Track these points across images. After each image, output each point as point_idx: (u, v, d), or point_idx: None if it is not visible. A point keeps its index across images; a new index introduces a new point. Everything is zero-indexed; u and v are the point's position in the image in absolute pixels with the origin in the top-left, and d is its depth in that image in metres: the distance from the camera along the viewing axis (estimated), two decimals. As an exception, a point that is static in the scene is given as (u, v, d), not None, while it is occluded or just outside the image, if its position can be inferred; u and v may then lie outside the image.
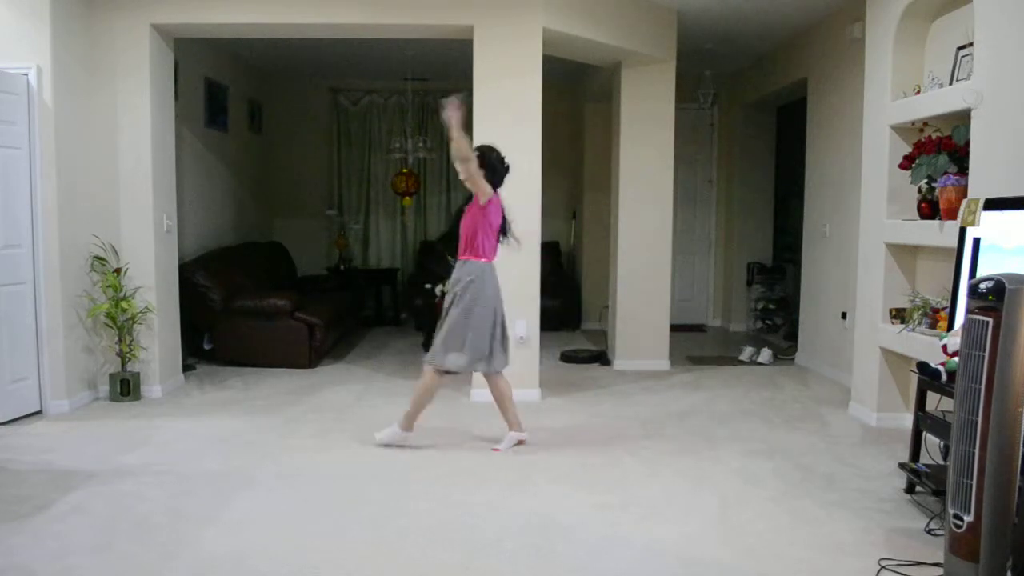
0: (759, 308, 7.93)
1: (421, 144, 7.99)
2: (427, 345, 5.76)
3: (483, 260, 4.04)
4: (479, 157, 3.97)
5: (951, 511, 2.45)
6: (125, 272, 5.09)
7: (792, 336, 7.07)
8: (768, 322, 7.88)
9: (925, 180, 4.08)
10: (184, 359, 5.72)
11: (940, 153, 3.98)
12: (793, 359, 6.64)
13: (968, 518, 2.39)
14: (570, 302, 8.15)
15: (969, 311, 2.44)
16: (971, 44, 3.81)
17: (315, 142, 8.75)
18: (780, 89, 7.10)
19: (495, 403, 4.26)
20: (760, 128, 8.21)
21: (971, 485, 2.38)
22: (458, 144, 3.84)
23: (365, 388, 5.53)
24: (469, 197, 4.11)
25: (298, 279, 8.19)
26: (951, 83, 4.03)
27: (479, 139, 5.14)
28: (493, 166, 4.03)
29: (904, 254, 4.52)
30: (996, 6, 3.55)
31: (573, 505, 3.39)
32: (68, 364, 4.82)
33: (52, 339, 4.74)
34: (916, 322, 4.12)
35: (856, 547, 2.96)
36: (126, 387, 5.07)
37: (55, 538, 2.98)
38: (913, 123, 4.35)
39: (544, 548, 2.95)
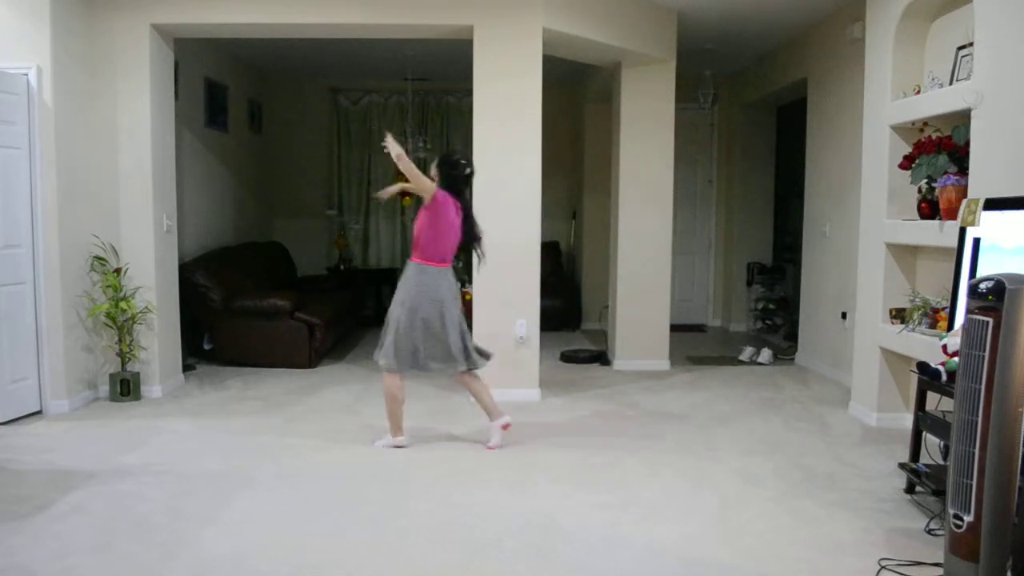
0: (759, 308, 7.93)
1: (421, 144, 7.99)
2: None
3: (420, 262, 4.04)
4: (437, 167, 4.10)
5: (951, 511, 2.45)
6: (125, 272, 5.09)
7: (792, 336, 7.07)
8: (768, 322, 7.88)
9: (925, 180, 4.08)
10: (184, 359, 5.72)
11: (940, 153, 3.98)
12: (793, 359, 6.64)
13: (968, 518, 2.39)
14: (570, 302, 8.15)
15: (969, 311, 2.44)
16: (971, 44, 3.81)
17: (315, 142, 8.75)
18: (780, 89, 7.10)
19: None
20: (760, 128, 8.22)
21: (971, 485, 2.38)
22: (398, 158, 3.89)
23: (365, 388, 5.53)
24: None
25: (298, 279, 8.19)
26: (951, 83, 4.03)
27: (479, 139, 5.16)
28: (448, 168, 4.09)
29: (904, 254, 4.52)
30: (996, 6, 3.55)
31: (573, 505, 3.39)
32: (68, 364, 4.82)
33: (52, 339, 4.74)
34: (916, 322, 4.12)
35: (856, 547, 2.96)
36: (126, 387, 5.07)
37: (55, 538, 2.98)
38: (913, 123, 4.35)
39: (544, 548, 2.95)
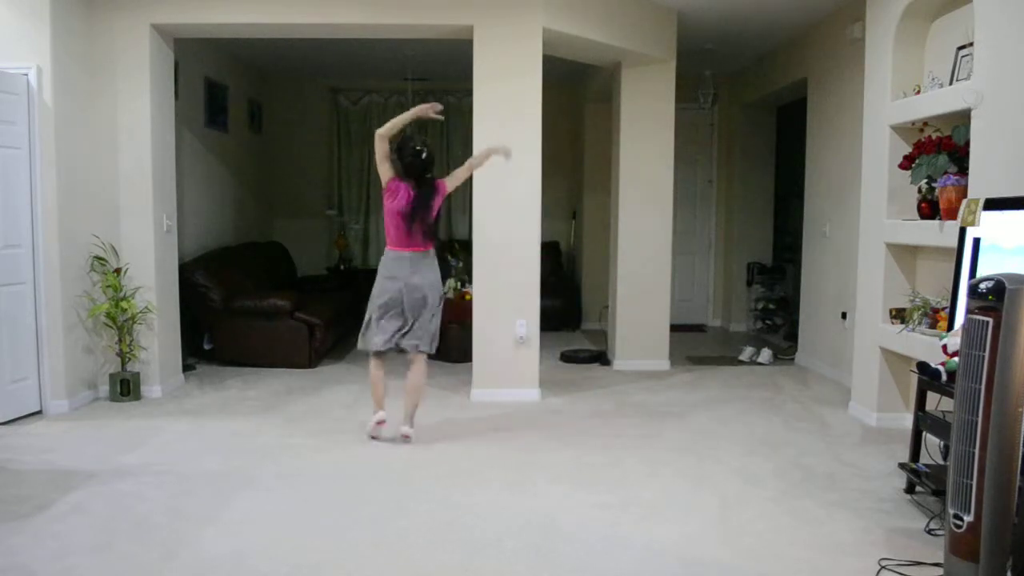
0: (759, 308, 7.94)
1: (421, 144, 7.97)
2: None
3: (387, 248, 4.28)
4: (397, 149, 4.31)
5: (951, 511, 2.45)
6: (125, 272, 5.09)
7: (792, 336, 7.07)
8: (768, 322, 7.88)
9: (925, 180, 4.08)
10: (184, 359, 5.72)
11: (940, 153, 3.98)
12: (793, 359, 6.64)
13: (968, 518, 2.39)
14: (570, 302, 8.15)
15: (969, 311, 2.44)
16: (971, 44, 3.81)
17: (315, 142, 8.75)
18: (780, 89, 7.10)
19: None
20: (760, 128, 8.22)
21: (971, 485, 2.38)
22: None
23: (365, 388, 5.51)
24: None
25: (298, 279, 8.19)
26: (951, 83, 4.03)
27: (479, 139, 5.16)
28: (397, 154, 4.28)
29: (904, 254, 4.52)
30: (996, 6, 3.55)
31: (573, 505, 3.39)
32: (68, 364, 4.82)
33: (52, 339, 4.74)
34: (916, 322, 4.12)
35: (856, 547, 2.97)
36: (126, 387, 5.07)
37: (55, 538, 2.98)
38: (913, 123, 4.35)
39: (544, 548, 2.95)
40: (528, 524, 3.17)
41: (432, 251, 4.31)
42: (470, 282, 5.53)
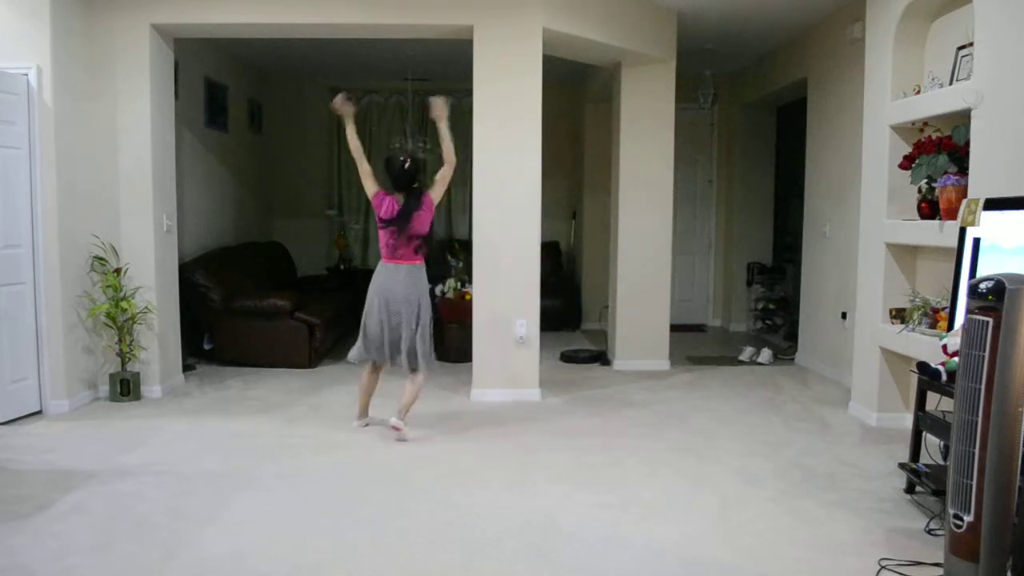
0: (759, 308, 7.94)
1: (421, 144, 7.99)
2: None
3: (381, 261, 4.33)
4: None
5: (951, 511, 2.45)
6: (125, 272, 5.09)
7: (792, 336, 7.07)
8: (768, 322, 7.88)
9: (925, 180, 4.08)
10: (184, 359, 5.72)
11: (940, 153, 3.98)
12: (793, 359, 6.64)
13: (968, 518, 2.39)
14: (570, 302, 8.15)
15: (969, 311, 2.44)
16: (971, 44, 3.81)
17: (315, 142, 8.75)
18: (780, 89, 7.10)
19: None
20: (760, 128, 8.22)
21: (971, 485, 2.38)
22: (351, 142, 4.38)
23: (365, 388, 5.53)
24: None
25: (298, 279, 8.19)
26: (951, 83, 4.03)
27: (479, 139, 5.17)
28: (385, 167, 4.37)
29: (904, 254, 4.52)
30: (996, 6, 3.55)
31: (573, 505, 3.39)
32: (68, 364, 4.82)
33: (52, 339, 4.74)
34: (916, 322, 4.12)
35: (856, 547, 2.97)
36: (126, 387, 5.07)
37: (55, 538, 2.98)
38: (913, 123, 4.35)
39: (544, 548, 2.95)
40: (528, 524, 3.17)
41: (416, 266, 4.30)
42: (470, 282, 5.52)
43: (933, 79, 4.19)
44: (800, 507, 3.37)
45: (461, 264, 6.72)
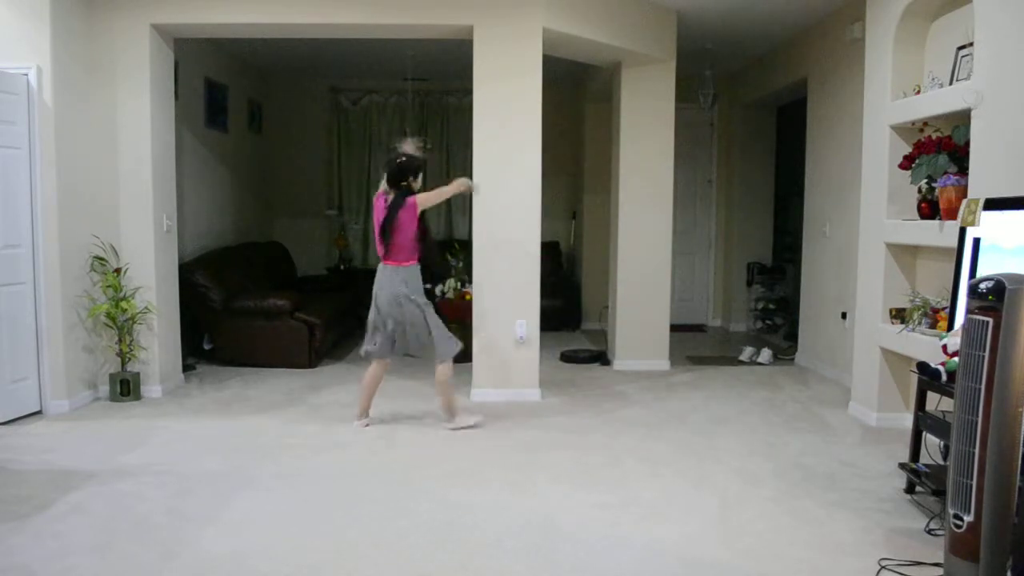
0: (759, 308, 7.94)
1: (421, 144, 7.97)
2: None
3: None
4: None
5: (951, 511, 2.45)
6: (125, 272, 5.09)
7: (792, 336, 7.07)
8: (768, 322, 7.88)
9: (925, 180, 4.08)
10: (184, 359, 5.72)
11: (940, 153, 3.98)
12: (793, 359, 6.64)
13: (968, 518, 2.39)
14: (570, 302, 8.15)
15: (969, 311, 2.44)
16: (971, 44, 3.81)
17: (315, 142, 8.75)
18: (780, 89, 7.10)
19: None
20: (760, 128, 8.22)
21: (971, 485, 2.38)
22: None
23: (365, 388, 5.53)
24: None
25: (298, 279, 8.19)
26: (951, 83, 4.03)
27: (479, 139, 5.17)
28: (384, 167, 4.56)
29: (904, 254, 4.52)
30: (996, 6, 3.55)
31: (573, 505, 3.39)
32: (68, 364, 4.82)
33: (52, 339, 4.74)
34: (916, 322, 4.12)
35: (856, 547, 2.97)
36: (126, 387, 5.07)
37: (55, 538, 2.98)
38: (913, 123, 4.35)
39: (544, 548, 2.95)
40: (528, 524, 3.17)
41: (403, 268, 4.37)
42: (470, 282, 5.52)
43: (933, 79, 4.19)
44: (800, 507, 3.37)
45: (461, 264, 6.72)
